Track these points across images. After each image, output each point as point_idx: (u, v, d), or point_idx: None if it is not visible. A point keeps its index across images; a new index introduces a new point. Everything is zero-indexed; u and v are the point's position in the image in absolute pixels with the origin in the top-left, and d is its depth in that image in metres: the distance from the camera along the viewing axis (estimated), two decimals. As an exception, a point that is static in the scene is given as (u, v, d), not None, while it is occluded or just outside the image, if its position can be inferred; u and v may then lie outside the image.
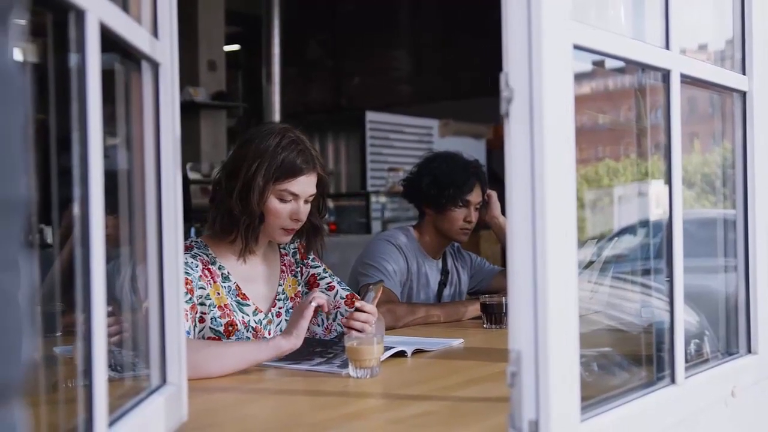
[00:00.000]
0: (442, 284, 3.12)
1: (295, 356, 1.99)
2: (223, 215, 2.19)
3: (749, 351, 1.81)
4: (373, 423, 1.52)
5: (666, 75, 1.52)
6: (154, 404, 1.28)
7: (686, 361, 1.55)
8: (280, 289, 2.32)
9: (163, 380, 1.36)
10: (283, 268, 2.36)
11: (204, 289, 2.14)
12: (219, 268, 2.21)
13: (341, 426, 1.50)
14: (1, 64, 0.52)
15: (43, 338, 1.31)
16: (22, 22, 0.57)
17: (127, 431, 1.11)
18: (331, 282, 2.38)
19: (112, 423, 1.08)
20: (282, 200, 2.18)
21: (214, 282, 2.17)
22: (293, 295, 2.35)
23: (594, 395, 1.33)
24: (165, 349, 1.37)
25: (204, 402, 1.64)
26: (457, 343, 2.33)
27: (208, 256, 2.21)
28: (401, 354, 2.09)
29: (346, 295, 2.35)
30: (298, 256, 2.40)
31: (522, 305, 1.17)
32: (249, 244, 2.21)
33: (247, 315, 2.21)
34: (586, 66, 1.45)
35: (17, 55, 0.55)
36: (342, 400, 1.70)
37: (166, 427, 1.31)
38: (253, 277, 2.27)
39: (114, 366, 1.29)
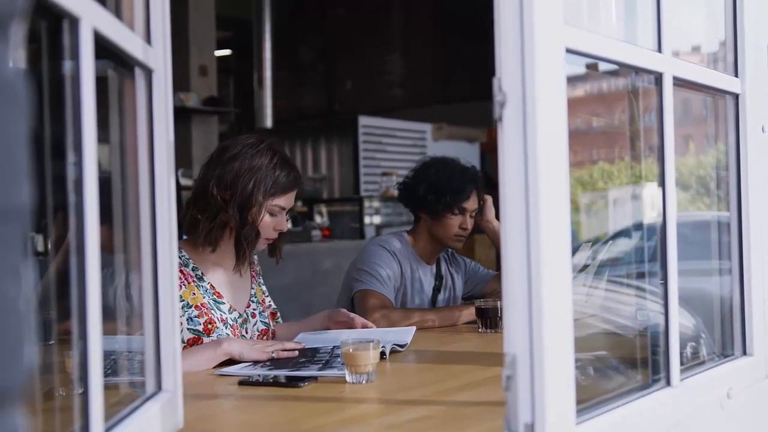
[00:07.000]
0: (437, 289, 3.10)
1: (293, 365, 1.99)
2: (218, 227, 2.24)
3: (744, 353, 1.82)
4: (371, 428, 1.51)
5: (659, 78, 1.52)
6: (150, 411, 1.27)
7: (682, 363, 1.55)
8: (252, 292, 2.42)
9: (159, 387, 1.36)
10: (254, 274, 2.46)
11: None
12: (193, 270, 2.27)
13: (340, 431, 1.49)
14: (1, 73, 0.51)
15: (37, 346, 1.30)
16: (22, 29, 0.57)
17: (122, 439, 1.11)
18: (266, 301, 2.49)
19: (107, 430, 1.08)
20: (271, 214, 2.28)
21: (189, 283, 2.24)
22: (261, 300, 2.45)
23: (589, 398, 1.33)
24: (160, 356, 1.37)
25: (199, 409, 1.63)
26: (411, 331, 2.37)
27: (181, 258, 2.25)
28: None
29: (262, 330, 2.41)
30: (258, 268, 2.51)
31: (517, 309, 1.17)
32: (249, 256, 2.33)
33: (224, 313, 2.28)
34: (579, 69, 1.46)
35: (17, 62, 0.55)
36: (338, 406, 1.69)
37: (162, 434, 1.31)
38: (226, 280, 2.34)
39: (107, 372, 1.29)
